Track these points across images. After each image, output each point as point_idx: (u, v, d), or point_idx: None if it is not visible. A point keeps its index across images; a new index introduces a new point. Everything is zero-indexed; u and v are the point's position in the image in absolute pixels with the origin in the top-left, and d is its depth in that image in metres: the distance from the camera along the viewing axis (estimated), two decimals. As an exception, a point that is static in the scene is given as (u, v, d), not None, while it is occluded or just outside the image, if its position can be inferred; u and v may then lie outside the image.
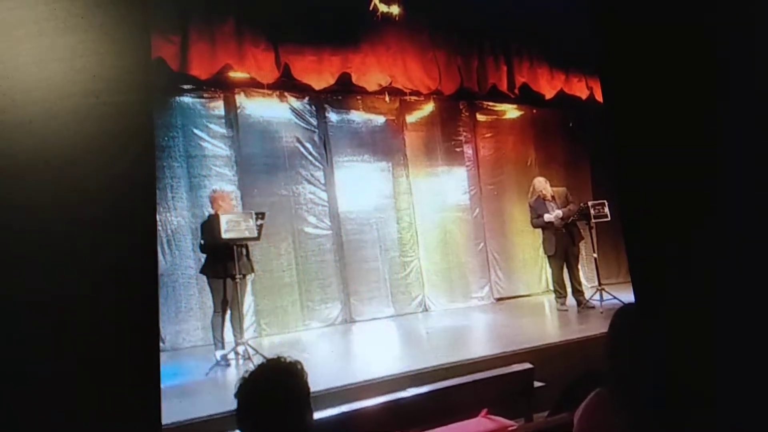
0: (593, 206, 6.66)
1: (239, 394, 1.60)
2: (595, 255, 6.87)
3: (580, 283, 6.56)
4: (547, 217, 6.36)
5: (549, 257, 6.59)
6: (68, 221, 1.20)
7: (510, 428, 3.05)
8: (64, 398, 1.15)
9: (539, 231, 6.68)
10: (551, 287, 8.09)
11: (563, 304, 6.51)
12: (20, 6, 1.21)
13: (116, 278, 1.22)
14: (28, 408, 1.13)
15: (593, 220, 6.63)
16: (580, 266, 6.71)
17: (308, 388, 1.65)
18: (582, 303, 6.41)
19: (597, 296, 6.45)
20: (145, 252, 1.27)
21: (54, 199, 1.19)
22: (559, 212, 6.34)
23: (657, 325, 1.10)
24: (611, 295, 6.30)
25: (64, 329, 1.17)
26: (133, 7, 1.28)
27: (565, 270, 6.53)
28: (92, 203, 1.22)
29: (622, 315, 1.72)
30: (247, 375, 1.63)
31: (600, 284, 6.54)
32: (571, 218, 6.47)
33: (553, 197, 6.47)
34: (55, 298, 1.17)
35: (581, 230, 6.61)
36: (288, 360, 1.66)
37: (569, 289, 6.54)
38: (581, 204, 7.00)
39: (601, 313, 6.00)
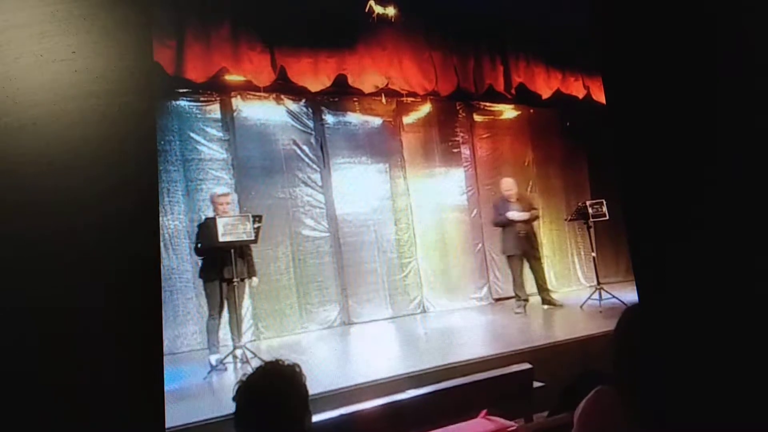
0: (591, 205, 6.67)
1: (237, 398, 1.59)
2: (594, 254, 6.88)
3: (545, 281, 6.72)
4: (510, 214, 6.38)
5: (508, 258, 6.61)
6: (71, 224, 1.20)
7: (510, 429, 3.04)
8: (67, 402, 1.15)
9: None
10: (549, 287, 8.14)
11: (520, 307, 6.50)
12: (22, 8, 1.22)
13: (120, 281, 1.22)
14: (33, 412, 1.13)
15: (591, 219, 6.63)
16: (544, 266, 6.81)
17: (307, 391, 1.64)
18: (549, 301, 6.56)
19: (596, 295, 6.44)
20: (148, 254, 1.27)
21: (57, 201, 1.19)
22: (525, 214, 6.37)
23: (660, 324, 1.10)
24: (610, 294, 6.29)
25: (67, 333, 1.16)
26: (134, 9, 1.29)
27: (527, 273, 6.62)
28: (96, 205, 1.21)
29: (629, 315, 1.71)
30: (245, 378, 1.62)
31: (599, 283, 6.54)
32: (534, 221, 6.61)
33: (518, 200, 6.50)
34: (58, 302, 1.16)
35: (537, 238, 6.72)
36: (286, 363, 1.65)
37: (528, 292, 6.65)
38: (579, 203, 7.01)
39: (600, 312, 6.00)
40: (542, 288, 6.63)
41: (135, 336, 1.23)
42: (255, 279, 5.38)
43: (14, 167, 1.17)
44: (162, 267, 5.88)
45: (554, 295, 7.83)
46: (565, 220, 7.64)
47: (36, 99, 1.20)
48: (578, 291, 7.83)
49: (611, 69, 1.27)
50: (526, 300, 6.55)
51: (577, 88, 7.53)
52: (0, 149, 1.18)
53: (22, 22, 1.21)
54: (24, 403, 1.12)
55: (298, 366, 1.65)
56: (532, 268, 6.58)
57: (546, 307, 6.58)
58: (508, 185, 6.56)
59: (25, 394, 1.13)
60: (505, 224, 6.47)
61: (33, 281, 1.16)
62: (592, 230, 6.82)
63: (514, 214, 6.37)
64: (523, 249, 6.46)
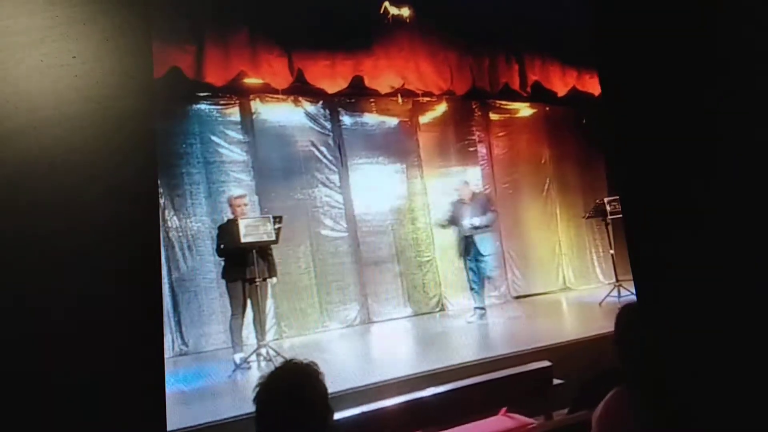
0: (609, 202, 6.64)
1: (257, 400, 1.59)
2: (612, 251, 6.85)
3: (480, 288, 6.29)
4: (465, 223, 6.12)
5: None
6: (72, 228, 1.20)
7: (529, 426, 3.07)
8: (68, 403, 1.17)
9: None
10: (568, 285, 8.14)
11: (473, 315, 6.25)
12: (22, 13, 1.22)
13: (120, 283, 1.23)
14: (33, 412, 1.15)
15: (609, 216, 6.61)
16: (483, 278, 6.27)
17: (326, 388, 1.63)
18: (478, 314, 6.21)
19: (615, 293, 6.43)
20: (148, 258, 1.28)
21: (58, 206, 1.20)
22: (476, 220, 6.08)
23: (658, 322, 1.12)
24: (629, 291, 6.27)
25: (67, 334, 1.18)
26: (134, 14, 1.29)
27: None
28: (96, 208, 1.22)
29: (626, 312, 1.74)
30: (263, 380, 1.61)
31: (617, 280, 6.52)
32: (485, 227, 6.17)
33: (470, 200, 6.20)
34: (58, 305, 1.18)
35: (490, 243, 6.21)
36: (303, 362, 1.65)
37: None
38: (597, 201, 6.98)
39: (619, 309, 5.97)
40: (477, 294, 6.27)
41: (135, 337, 1.23)
42: (274, 279, 5.46)
43: (14, 172, 1.17)
44: (185, 267, 6.01)
45: (572, 293, 7.88)
46: (583, 217, 7.61)
47: (36, 104, 1.21)
48: (597, 288, 7.80)
49: (608, 67, 1.26)
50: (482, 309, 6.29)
51: (592, 85, 7.47)
52: (0, 154, 1.18)
53: (22, 27, 1.21)
54: (24, 404, 1.14)
55: (315, 363, 1.64)
56: (477, 270, 6.23)
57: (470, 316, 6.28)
58: (459, 185, 6.36)
59: (26, 395, 1.14)
60: (454, 225, 6.24)
61: (33, 285, 1.17)
62: (610, 227, 6.79)
63: (465, 223, 6.10)
64: (471, 253, 6.16)
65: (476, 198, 6.26)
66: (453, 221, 6.26)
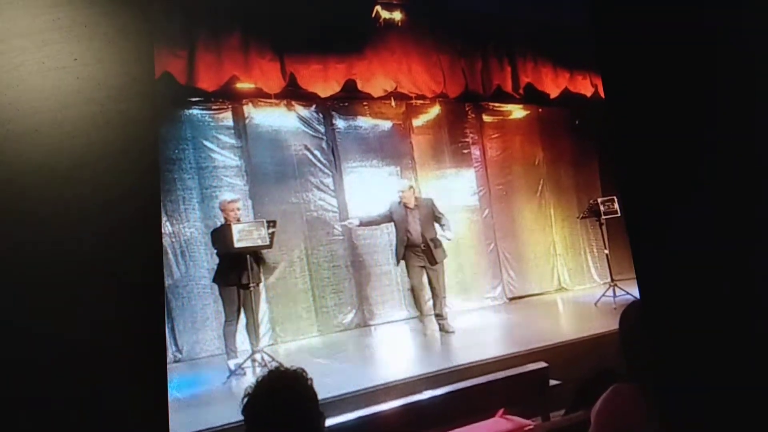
0: (603, 202, 6.68)
1: (245, 410, 1.56)
2: (607, 251, 6.87)
3: (441, 305, 5.84)
4: (414, 231, 5.76)
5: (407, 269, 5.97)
6: (74, 231, 1.20)
7: (527, 427, 3.07)
8: (69, 408, 1.16)
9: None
10: (563, 285, 8.15)
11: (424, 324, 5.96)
12: (24, 15, 1.22)
13: (122, 287, 1.23)
14: (35, 416, 1.14)
15: (603, 216, 6.64)
16: (443, 286, 5.91)
17: (315, 393, 1.61)
18: (442, 327, 5.81)
19: (610, 292, 6.45)
20: (151, 262, 1.27)
21: (60, 209, 1.20)
22: (448, 233, 5.81)
23: (660, 322, 1.12)
24: (624, 290, 6.30)
25: (68, 340, 1.17)
26: (136, 17, 1.29)
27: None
28: (98, 212, 1.22)
29: (631, 311, 1.74)
30: (250, 390, 1.58)
31: (612, 280, 6.54)
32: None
33: (416, 206, 5.83)
34: (59, 309, 1.17)
35: (443, 250, 5.90)
36: (290, 368, 1.64)
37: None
38: (591, 201, 7.01)
39: (614, 309, 6.00)
40: (435, 307, 5.86)
41: (138, 343, 1.23)
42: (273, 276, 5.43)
43: (17, 174, 1.18)
44: (178, 273, 5.97)
45: (568, 294, 7.89)
46: (578, 218, 7.64)
47: (38, 106, 1.21)
48: (592, 288, 7.83)
49: (609, 66, 1.27)
50: (424, 316, 6.02)
51: (584, 86, 7.53)
52: (2, 156, 1.18)
53: (24, 29, 1.21)
54: (27, 409, 1.14)
55: (302, 369, 1.62)
56: (429, 284, 5.91)
57: (438, 331, 5.83)
58: (403, 186, 5.98)
59: (29, 400, 1.14)
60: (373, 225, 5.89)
61: (35, 289, 1.16)
62: (604, 227, 6.82)
63: (441, 233, 5.78)
64: (417, 259, 5.82)
65: (421, 203, 5.86)
66: (381, 221, 5.96)
